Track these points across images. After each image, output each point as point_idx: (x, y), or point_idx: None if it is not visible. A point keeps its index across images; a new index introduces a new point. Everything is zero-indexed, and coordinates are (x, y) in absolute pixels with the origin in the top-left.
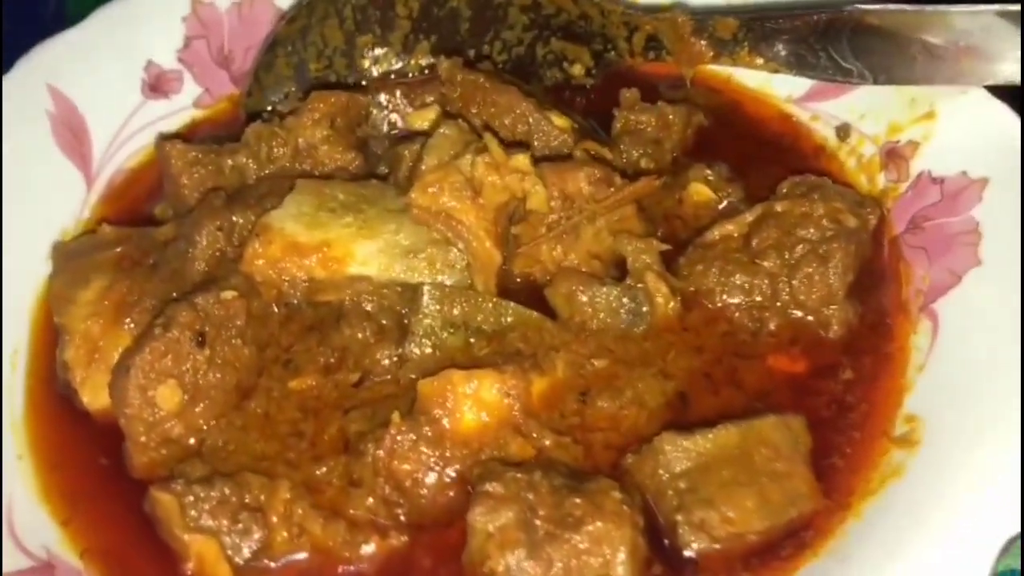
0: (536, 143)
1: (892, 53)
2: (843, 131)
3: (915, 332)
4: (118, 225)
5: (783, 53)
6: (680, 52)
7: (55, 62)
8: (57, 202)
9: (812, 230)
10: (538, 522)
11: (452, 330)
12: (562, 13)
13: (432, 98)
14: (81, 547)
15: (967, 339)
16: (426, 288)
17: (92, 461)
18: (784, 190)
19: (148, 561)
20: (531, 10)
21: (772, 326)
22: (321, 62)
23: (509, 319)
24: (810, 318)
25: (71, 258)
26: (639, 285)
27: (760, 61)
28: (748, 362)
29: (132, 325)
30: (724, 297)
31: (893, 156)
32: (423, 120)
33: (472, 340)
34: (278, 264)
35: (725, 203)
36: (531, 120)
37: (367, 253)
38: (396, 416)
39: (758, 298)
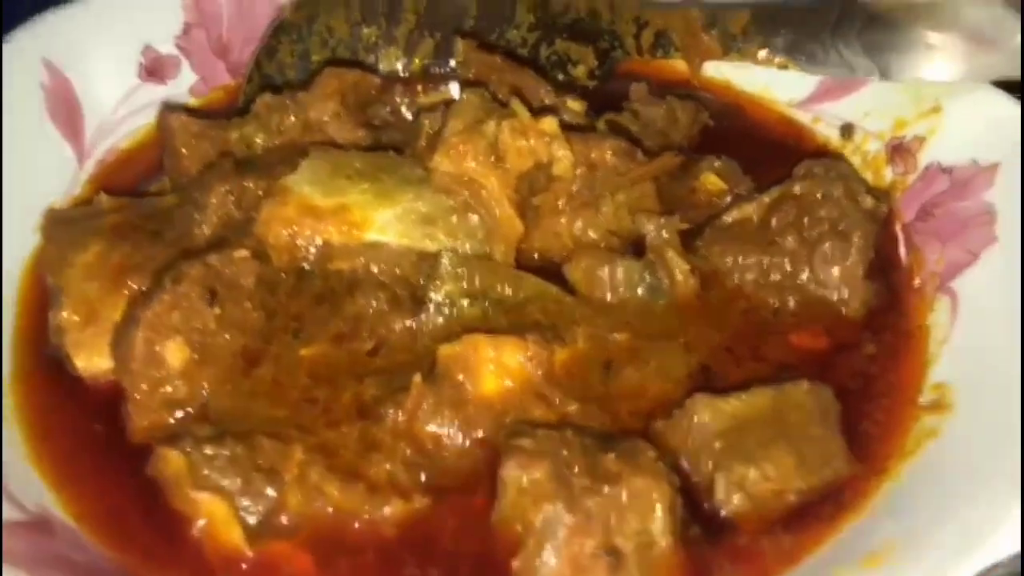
0: None
1: (902, 48)
2: (847, 130)
3: (932, 310)
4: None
5: (792, 48)
6: (689, 48)
7: (53, 36)
8: (48, 176)
9: (831, 209)
10: (574, 478)
11: (470, 300)
12: (569, 10)
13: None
14: (76, 512)
15: (989, 312)
16: (445, 255)
17: (85, 428)
18: (801, 172)
19: (150, 526)
20: (539, 7)
21: (792, 304)
22: (324, 52)
23: (528, 291)
24: (831, 296)
25: (66, 224)
26: (658, 261)
27: (769, 56)
28: (770, 338)
29: (135, 288)
30: (744, 275)
31: (900, 151)
32: (435, 99)
33: (490, 311)
34: (293, 225)
35: (734, 194)
36: (547, 102)
37: (385, 220)
38: (417, 378)
39: (777, 277)
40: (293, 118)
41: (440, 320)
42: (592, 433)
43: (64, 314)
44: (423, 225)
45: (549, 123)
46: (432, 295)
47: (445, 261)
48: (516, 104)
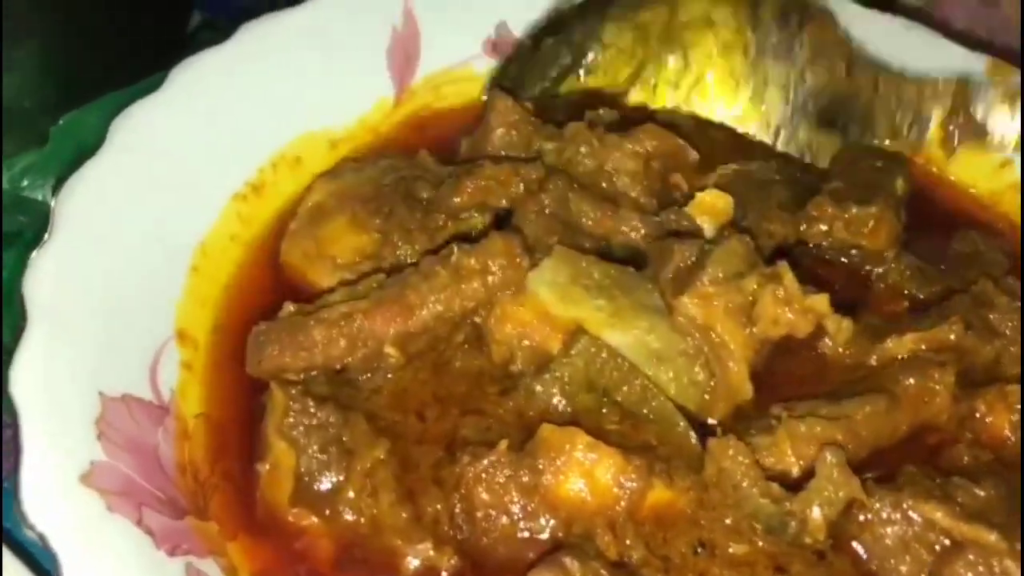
0: None
1: None
2: None
3: None
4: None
5: None
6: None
7: None
8: (364, 106)
9: None
10: None
11: (588, 391)
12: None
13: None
14: (198, 408)
15: None
16: (583, 340)
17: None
18: None
19: (243, 444)
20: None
21: None
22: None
23: (655, 413)
24: None
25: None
26: (802, 512)
27: None
28: None
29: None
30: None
31: None
32: (709, 216)
33: (604, 410)
34: (525, 328)
35: None
36: None
37: (614, 344)
38: (504, 445)
39: None
40: (590, 158)
41: (550, 394)
42: None
43: (301, 209)
44: (650, 361)
45: (821, 301)
46: (553, 368)
47: (579, 344)
48: (784, 270)
